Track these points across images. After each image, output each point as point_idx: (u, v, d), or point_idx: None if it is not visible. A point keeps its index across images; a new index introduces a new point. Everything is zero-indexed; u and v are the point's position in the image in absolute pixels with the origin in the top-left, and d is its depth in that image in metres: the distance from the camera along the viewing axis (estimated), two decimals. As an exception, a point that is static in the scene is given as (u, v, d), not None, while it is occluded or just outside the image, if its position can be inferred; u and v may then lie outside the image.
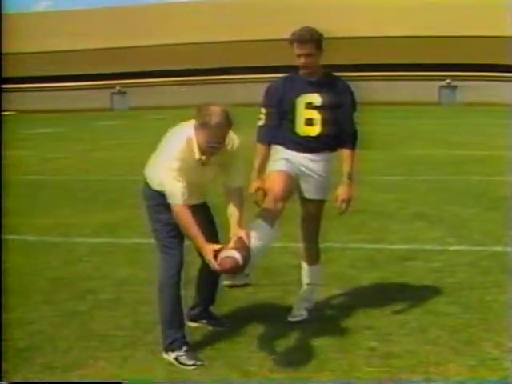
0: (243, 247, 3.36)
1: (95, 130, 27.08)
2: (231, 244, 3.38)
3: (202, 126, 3.36)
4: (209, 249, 3.35)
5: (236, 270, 3.36)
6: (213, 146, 3.39)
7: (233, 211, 3.52)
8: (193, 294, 3.97)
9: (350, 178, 3.95)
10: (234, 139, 3.54)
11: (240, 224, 3.49)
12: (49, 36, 54.76)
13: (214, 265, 3.34)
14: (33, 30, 53.20)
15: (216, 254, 3.34)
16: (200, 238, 3.39)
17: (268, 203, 3.77)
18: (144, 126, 25.77)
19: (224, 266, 3.32)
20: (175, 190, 3.40)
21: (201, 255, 3.84)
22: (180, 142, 3.45)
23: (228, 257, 3.31)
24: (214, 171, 3.56)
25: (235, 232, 3.44)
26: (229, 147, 3.51)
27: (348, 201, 3.95)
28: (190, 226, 3.41)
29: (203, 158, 3.45)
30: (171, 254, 3.57)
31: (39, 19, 57.81)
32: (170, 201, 3.44)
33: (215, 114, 3.34)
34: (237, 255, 3.31)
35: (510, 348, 3.57)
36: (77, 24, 56.21)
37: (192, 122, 3.48)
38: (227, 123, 3.38)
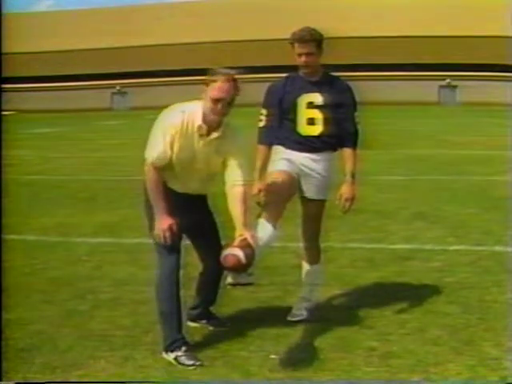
0: (248, 246, 3.36)
1: (95, 130, 27.09)
2: (235, 242, 3.38)
3: (211, 81, 3.40)
4: (166, 222, 3.41)
5: (238, 268, 3.36)
6: (218, 100, 3.36)
7: (237, 211, 3.46)
8: (193, 294, 3.97)
9: (352, 176, 3.96)
10: (236, 129, 3.55)
11: (245, 225, 3.44)
12: (49, 36, 54.78)
13: (162, 238, 3.40)
14: (33, 30, 53.22)
15: (171, 227, 3.40)
16: (161, 206, 3.43)
17: (270, 204, 3.77)
18: (144, 125, 25.67)
19: (227, 263, 3.33)
20: (156, 145, 3.43)
21: (200, 258, 3.85)
22: (181, 110, 3.47)
23: (231, 254, 3.32)
24: (210, 151, 3.49)
25: (241, 233, 3.39)
26: (231, 139, 3.50)
27: (351, 199, 3.96)
28: (154, 187, 3.45)
29: (204, 126, 3.43)
30: (167, 254, 3.54)
31: (39, 19, 57.84)
32: (146, 154, 3.47)
33: (226, 72, 3.41)
34: (240, 254, 3.31)
35: (510, 348, 3.56)
36: (77, 24, 56.25)
37: (194, 102, 3.50)
38: (235, 84, 3.41)
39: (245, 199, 3.51)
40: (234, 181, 3.52)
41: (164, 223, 3.43)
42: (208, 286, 3.90)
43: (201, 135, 3.46)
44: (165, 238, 3.43)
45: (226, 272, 3.76)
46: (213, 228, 3.79)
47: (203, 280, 3.89)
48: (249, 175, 3.61)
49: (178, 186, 3.58)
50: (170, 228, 3.42)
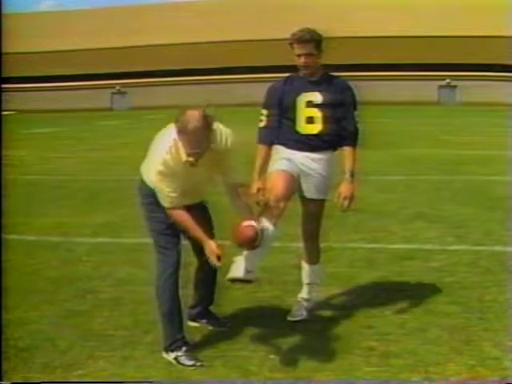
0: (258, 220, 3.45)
1: (95, 130, 27.07)
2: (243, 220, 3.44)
3: (180, 131, 3.31)
4: (211, 245, 3.41)
5: (256, 238, 3.39)
6: (193, 151, 3.33)
7: (238, 206, 3.54)
8: (192, 293, 3.98)
9: (352, 175, 3.96)
10: (227, 135, 3.49)
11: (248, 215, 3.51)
12: (49, 36, 54.76)
13: (214, 260, 3.41)
14: (33, 30, 53.20)
15: (219, 247, 3.41)
16: (201, 235, 3.45)
17: (270, 203, 3.78)
18: (144, 125, 25.76)
19: (246, 233, 3.37)
20: (164, 195, 3.46)
21: (197, 255, 3.85)
22: (167, 144, 3.41)
23: (248, 226, 3.38)
24: (206, 171, 3.50)
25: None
26: (221, 145, 3.47)
27: (350, 198, 3.96)
28: (188, 225, 3.48)
29: (190, 159, 3.38)
30: (167, 254, 3.57)
31: (39, 19, 57.79)
32: (162, 203, 3.50)
33: (191, 120, 3.26)
34: (255, 224, 3.40)
35: (510, 347, 3.57)
36: (77, 24, 56.21)
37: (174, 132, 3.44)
38: (204, 128, 3.28)
39: (242, 196, 3.57)
40: (229, 180, 3.56)
41: (212, 246, 3.42)
42: (204, 282, 3.92)
43: (191, 165, 3.41)
44: (218, 258, 3.42)
45: (226, 269, 3.74)
46: (207, 223, 3.78)
47: (199, 277, 3.91)
48: (240, 174, 3.63)
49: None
50: (219, 248, 3.42)
